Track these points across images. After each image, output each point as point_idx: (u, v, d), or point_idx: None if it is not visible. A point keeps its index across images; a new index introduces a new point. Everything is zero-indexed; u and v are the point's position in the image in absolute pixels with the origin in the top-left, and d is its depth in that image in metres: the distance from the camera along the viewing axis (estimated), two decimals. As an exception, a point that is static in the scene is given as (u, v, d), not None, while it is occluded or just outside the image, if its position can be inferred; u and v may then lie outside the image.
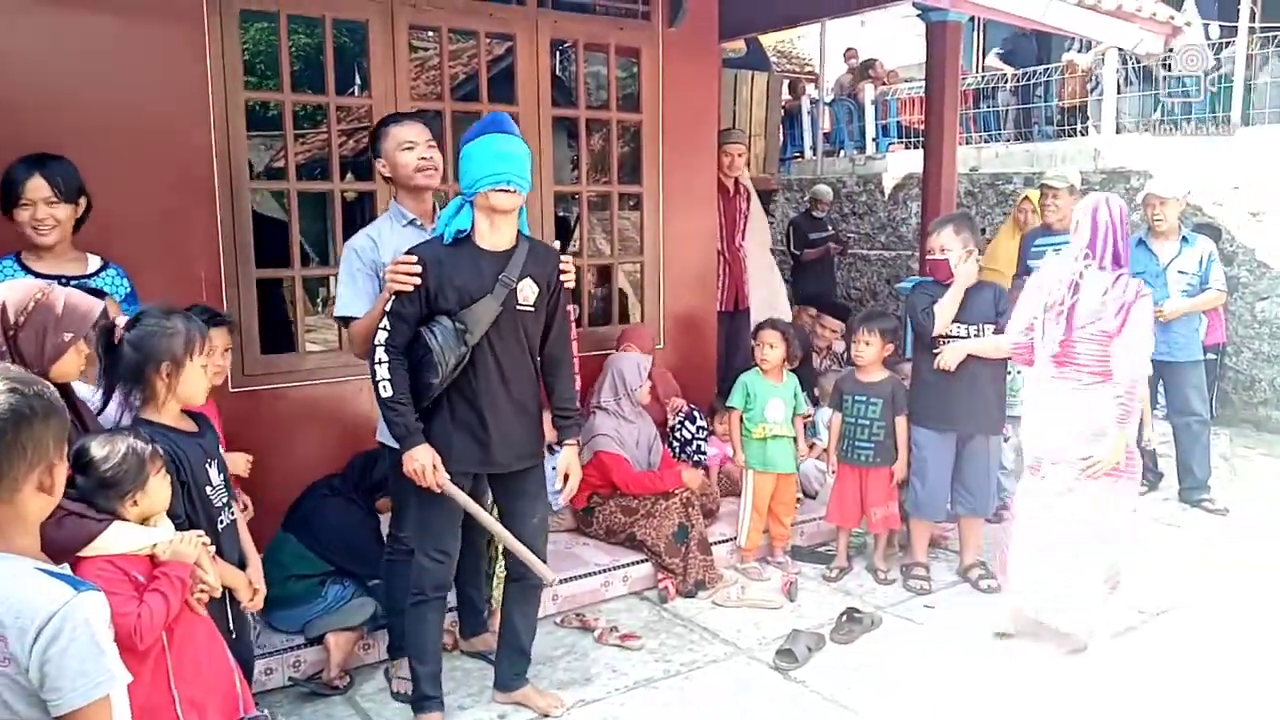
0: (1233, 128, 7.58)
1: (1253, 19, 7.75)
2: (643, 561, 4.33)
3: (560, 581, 3.98)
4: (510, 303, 2.93)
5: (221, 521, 2.56)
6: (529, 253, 2.98)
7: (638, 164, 5.43)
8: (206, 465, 2.51)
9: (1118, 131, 8.38)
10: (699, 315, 5.69)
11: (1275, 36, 7.66)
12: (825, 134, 11.44)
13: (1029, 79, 9.49)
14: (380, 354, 2.85)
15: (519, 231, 3.00)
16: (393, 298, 2.86)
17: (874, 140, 10.96)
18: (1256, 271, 7.14)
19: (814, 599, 4.24)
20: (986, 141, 9.77)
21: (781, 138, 10.98)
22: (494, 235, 2.92)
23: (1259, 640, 3.76)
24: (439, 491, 2.91)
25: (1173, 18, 5.93)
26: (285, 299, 5.97)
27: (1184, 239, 5.34)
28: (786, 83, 11.50)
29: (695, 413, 5.17)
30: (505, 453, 3.03)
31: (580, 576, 4.18)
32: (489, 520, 3.05)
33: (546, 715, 3.26)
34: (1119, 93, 8.44)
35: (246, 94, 4.09)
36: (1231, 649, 3.69)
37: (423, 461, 2.86)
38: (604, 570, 4.25)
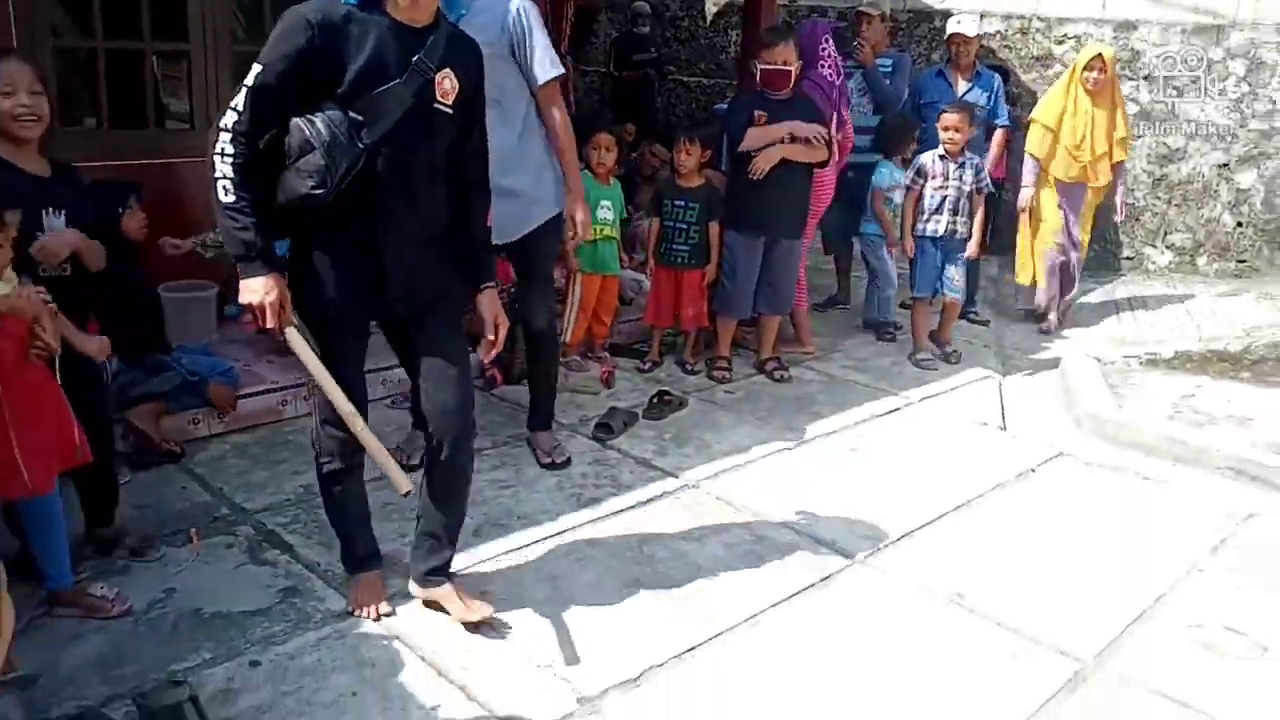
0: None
1: None
2: (471, 351, 4.51)
3: (388, 367, 4.13)
4: (425, 96, 2.30)
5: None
6: (449, 37, 2.35)
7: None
8: (46, 213, 2.47)
9: (926, -28, 8.73)
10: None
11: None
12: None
13: (850, -88, 9.64)
14: (225, 142, 2.18)
15: (438, 8, 2.36)
16: (259, 66, 2.19)
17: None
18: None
19: (629, 386, 4.60)
20: (806, -27, 9.93)
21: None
22: (411, 10, 2.26)
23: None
24: (280, 339, 2.37)
25: None
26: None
27: (977, 74, 5.80)
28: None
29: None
30: (408, 296, 2.44)
31: (408, 364, 4.33)
32: (335, 393, 2.35)
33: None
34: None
35: None
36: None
37: (261, 296, 2.24)
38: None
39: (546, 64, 3.32)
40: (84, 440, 2.54)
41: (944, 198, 4.93)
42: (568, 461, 3.67)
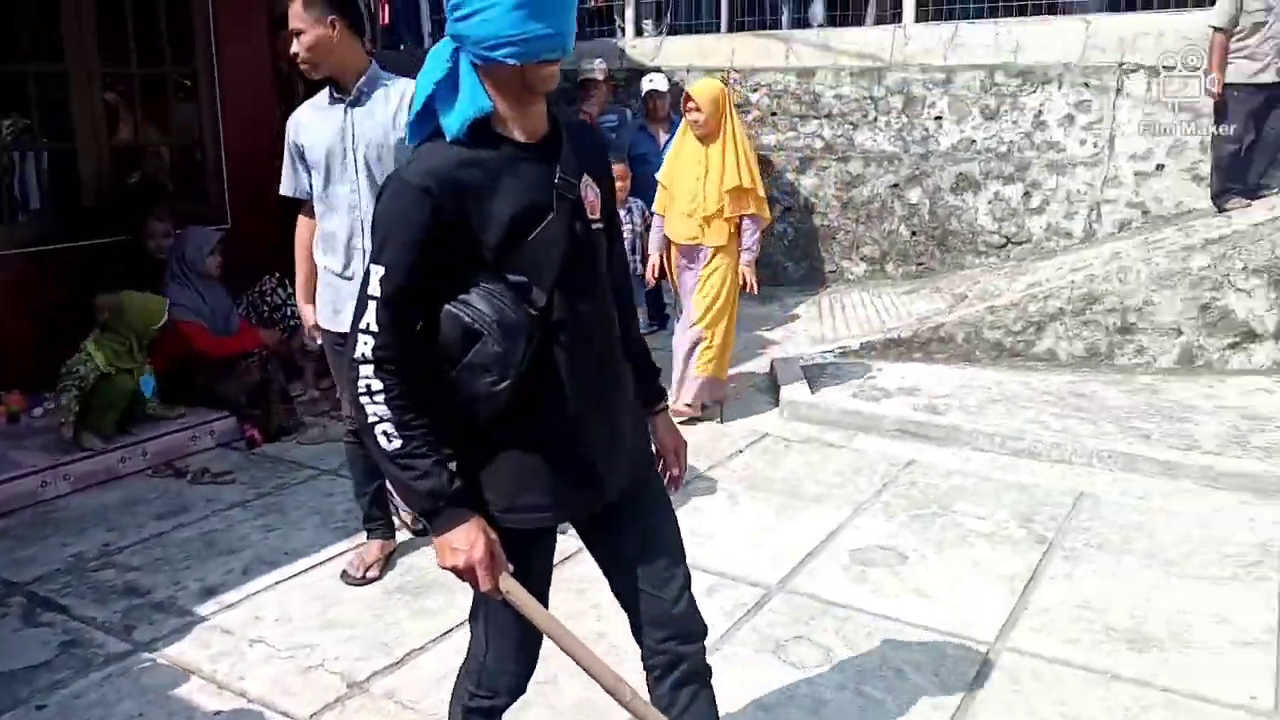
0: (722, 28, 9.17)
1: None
2: (227, 416, 4.76)
3: (147, 440, 4.36)
4: (580, 220, 1.76)
5: None
6: (570, 133, 1.79)
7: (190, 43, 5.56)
8: None
9: (638, 34, 9.69)
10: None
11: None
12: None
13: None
14: (369, 378, 1.61)
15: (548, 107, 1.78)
16: (379, 268, 1.62)
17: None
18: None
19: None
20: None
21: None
22: (526, 120, 1.71)
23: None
24: (499, 600, 1.73)
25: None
26: None
27: (673, 124, 6.63)
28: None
29: (286, 280, 5.56)
30: (621, 468, 1.87)
31: (167, 434, 4.53)
32: (589, 657, 1.74)
33: None
34: (638, -1, 9.72)
35: None
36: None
37: (469, 554, 1.65)
38: (191, 426, 4.64)
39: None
40: None
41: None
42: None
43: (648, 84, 6.57)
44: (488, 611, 1.87)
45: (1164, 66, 6.65)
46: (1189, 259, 5.72)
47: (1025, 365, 5.91)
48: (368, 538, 3.53)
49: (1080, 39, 7.06)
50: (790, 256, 8.39)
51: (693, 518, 3.83)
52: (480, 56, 1.62)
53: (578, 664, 1.72)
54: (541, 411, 1.74)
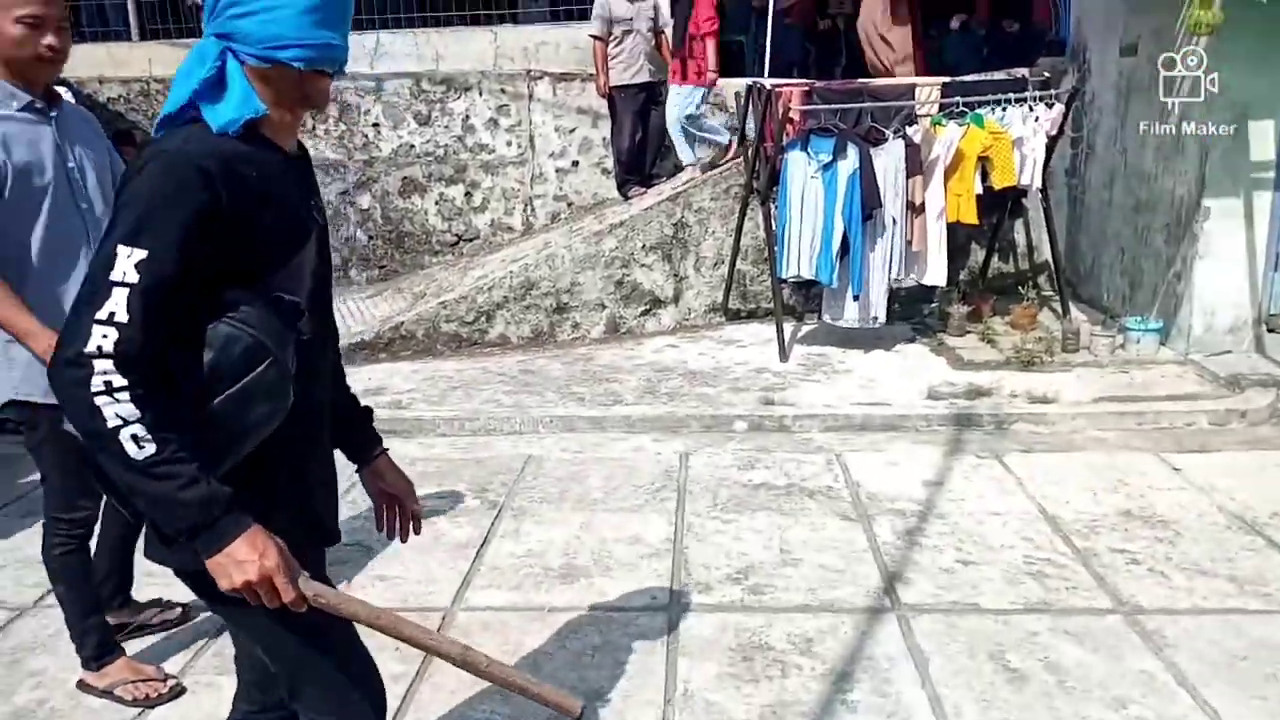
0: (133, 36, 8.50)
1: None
2: None
3: None
4: (324, 247, 1.67)
5: None
6: (302, 153, 1.68)
7: None
8: None
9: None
10: None
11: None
12: None
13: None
14: (112, 373, 1.33)
15: None
16: (140, 252, 1.36)
17: None
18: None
19: None
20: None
21: None
22: (289, 132, 1.59)
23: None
24: (304, 609, 1.49)
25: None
26: None
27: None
28: None
29: None
30: (334, 509, 1.80)
31: None
32: (421, 632, 1.59)
33: None
34: None
35: None
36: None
37: (260, 564, 1.42)
38: None
39: None
40: None
41: None
42: None
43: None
44: (303, 651, 1.61)
45: (562, 74, 7.55)
46: (601, 242, 6.60)
47: (482, 352, 6.39)
48: (111, 661, 2.77)
49: (491, 49, 7.73)
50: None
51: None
52: (259, 57, 1.47)
53: (420, 647, 1.59)
54: (285, 429, 1.53)
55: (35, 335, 2.31)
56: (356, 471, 1.91)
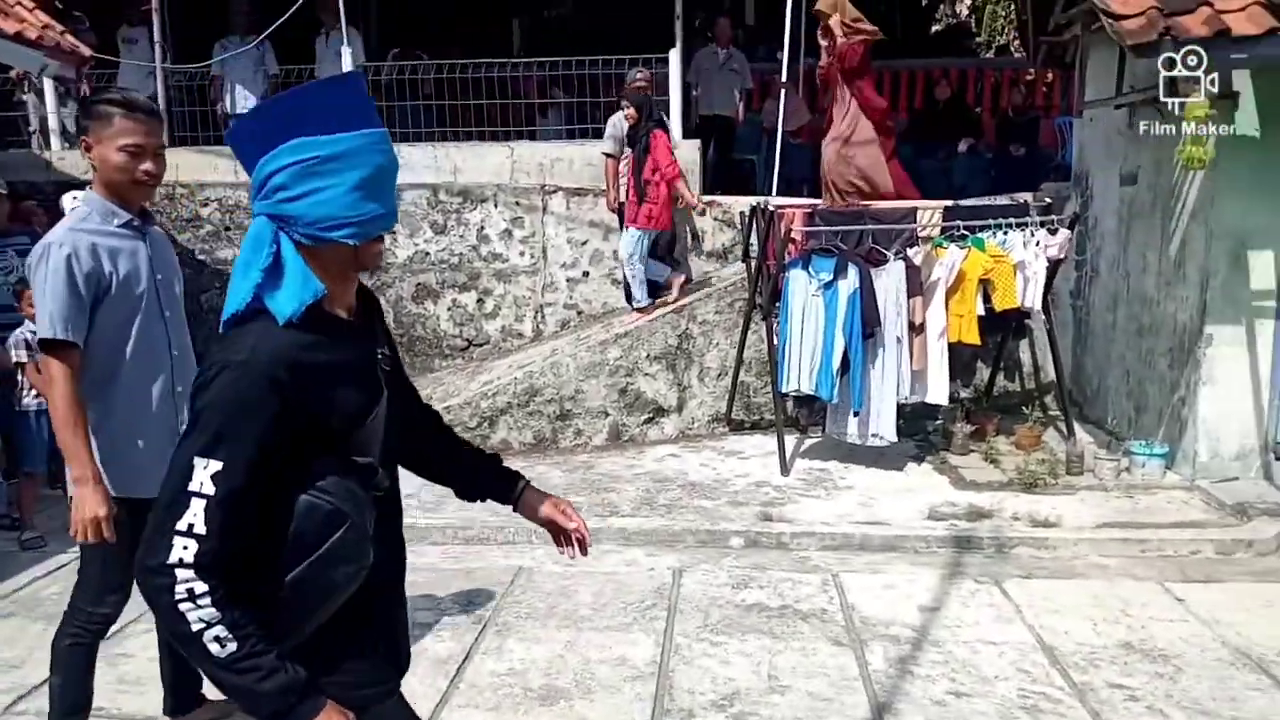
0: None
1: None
2: None
3: None
4: (395, 386, 1.73)
5: None
6: (370, 303, 1.75)
7: None
8: None
9: (68, 144, 8.95)
10: None
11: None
12: None
13: None
14: (194, 581, 1.42)
15: None
16: (215, 464, 1.43)
17: None
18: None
19: None
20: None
21: None
22: (347, 297, 1.64)
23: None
24: None
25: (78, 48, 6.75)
26: None
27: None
28: None
29: None
30: (406, 643, 1.83)
31: None
32: None
33: None
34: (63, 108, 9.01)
35: None
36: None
37: None
38: None
39: (44, 322, 2.59)
40: None
41: None
42: None
43: (72, 201, 6.10)
44: None
45: (576, 189, 7.75)
46: (606, 351, 6.66)
47: (484, 458, 6.37)
48: None
49: (508, 163, 7.96)
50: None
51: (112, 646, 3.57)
52: (313, 237, 1.52)
53: None
54: (367, 594, 1.60)
55: (82, 464, 2.54)
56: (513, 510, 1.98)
